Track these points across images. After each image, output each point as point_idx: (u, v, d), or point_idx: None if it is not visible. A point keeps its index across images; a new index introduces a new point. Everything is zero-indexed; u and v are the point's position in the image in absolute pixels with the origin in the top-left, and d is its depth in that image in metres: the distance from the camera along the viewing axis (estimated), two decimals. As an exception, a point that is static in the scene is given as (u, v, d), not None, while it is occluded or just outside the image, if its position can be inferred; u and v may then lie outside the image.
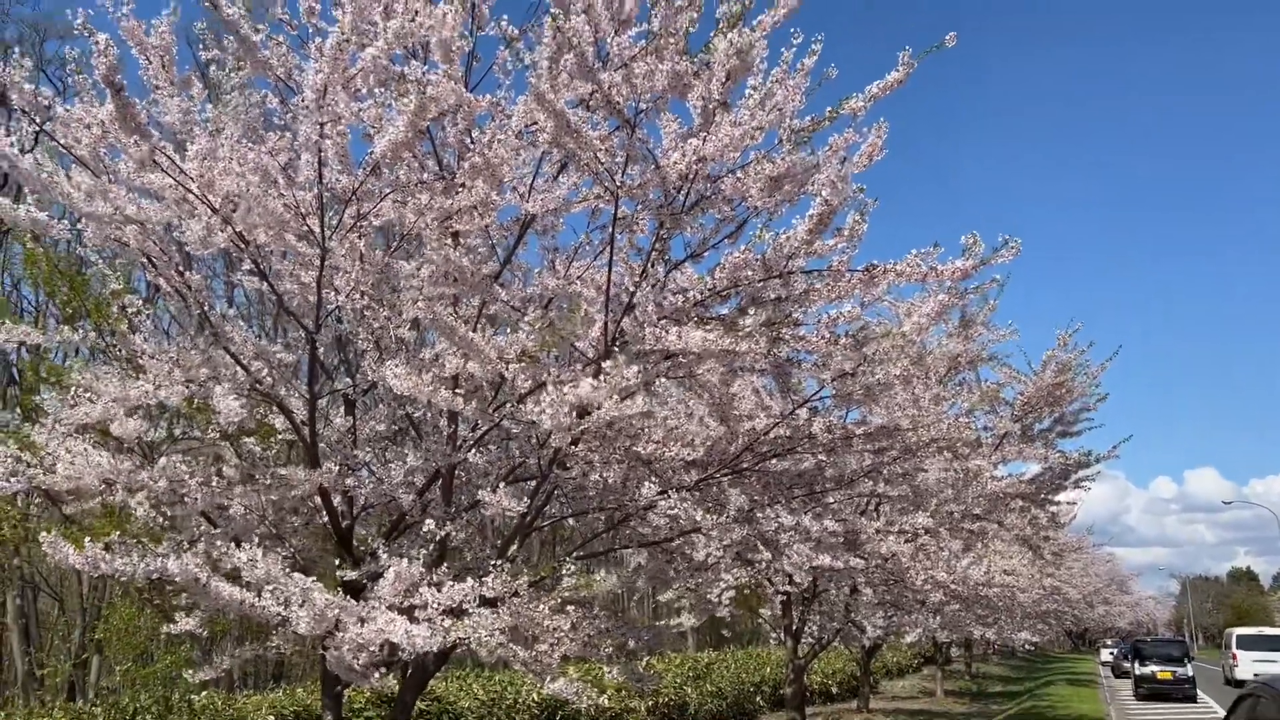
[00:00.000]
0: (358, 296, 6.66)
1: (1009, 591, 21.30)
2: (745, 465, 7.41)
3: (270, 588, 5.44)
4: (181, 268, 6.43)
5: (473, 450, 7.04)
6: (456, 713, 14.53)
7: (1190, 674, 28.32)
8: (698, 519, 5.90)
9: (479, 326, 6.38)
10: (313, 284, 6.41)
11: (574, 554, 7.72)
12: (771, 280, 5.86)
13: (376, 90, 6.14)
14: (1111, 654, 47.33)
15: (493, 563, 5.89)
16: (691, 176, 5.60)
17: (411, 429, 7.62)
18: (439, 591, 5.79)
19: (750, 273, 5.87)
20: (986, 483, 13.70)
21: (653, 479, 6.21)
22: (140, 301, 7.01)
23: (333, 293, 6.63)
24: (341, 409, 8.03)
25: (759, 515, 8.67)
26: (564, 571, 6.30)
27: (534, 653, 6.35)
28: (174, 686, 12.92)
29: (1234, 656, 32.14)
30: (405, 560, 5.75)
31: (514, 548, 7.47)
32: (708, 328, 5.54)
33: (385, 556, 5.84)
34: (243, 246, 6.28)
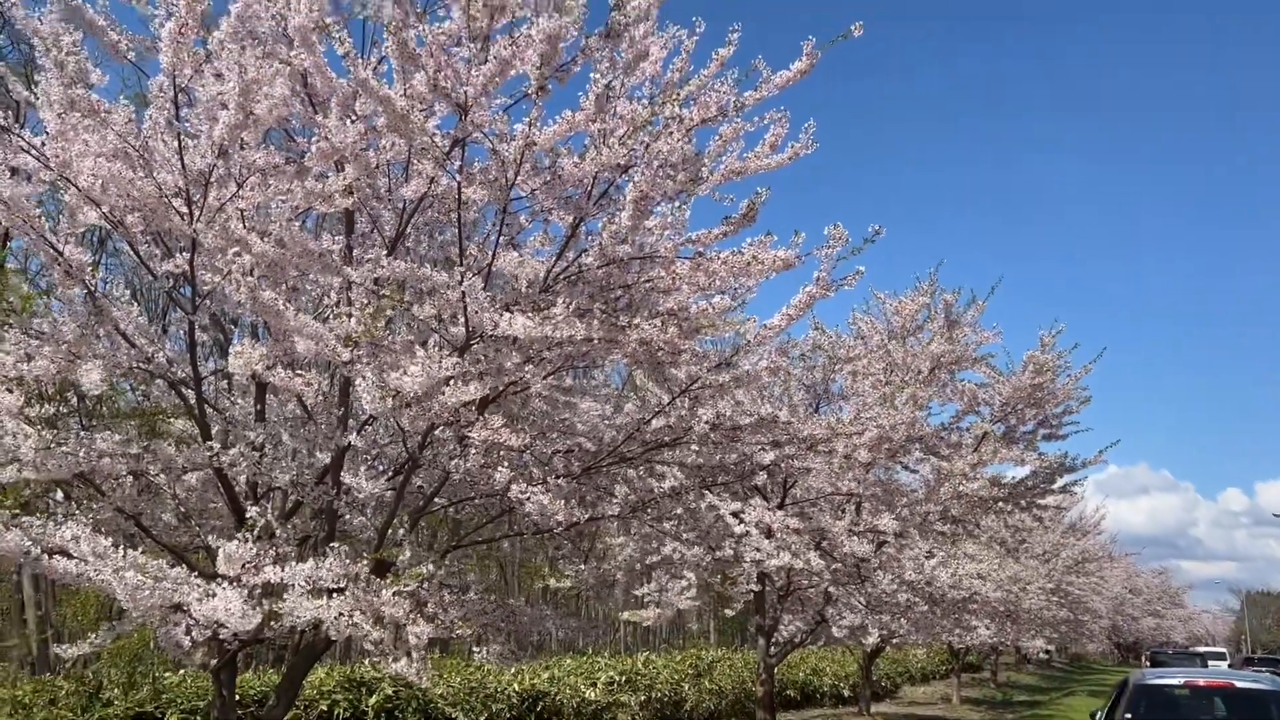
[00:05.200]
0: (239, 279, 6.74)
1: (1011, 595, 20.87)
2: (631, 455, 7.36)
3: (100, 563, 5.52)
4: (57, 245, 6.56)
5: (355, 435, 7.09)
6: (428, 699, 14.57)
7: None
8: (546, 504, 5.86)
9: (332, 311, 6.44)
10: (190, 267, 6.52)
11: (456, 545, 7.75)
12: (611, 268, 5.80)
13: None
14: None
15: (332, 545, 5.94)
16: (520, 161, 5.56)
17: (304, 413, 7.71)
18: (281, 570, 5.84)
19: (591, 260, 5.82)
20: (959, 483, 13.42)
21: (505, 466, 6.19)
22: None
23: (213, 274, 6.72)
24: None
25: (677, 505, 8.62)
26: (399, 556, 6.28)
27: (403, 635, 6.39)
28: (139, 662, 13.27)
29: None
30: (235, 541, 5.81)
31: (403, 532, 7.52)
32: (531, 316, 5.49)
33: (245, 538, 5.87)
34: (114, 227, 6.41)
